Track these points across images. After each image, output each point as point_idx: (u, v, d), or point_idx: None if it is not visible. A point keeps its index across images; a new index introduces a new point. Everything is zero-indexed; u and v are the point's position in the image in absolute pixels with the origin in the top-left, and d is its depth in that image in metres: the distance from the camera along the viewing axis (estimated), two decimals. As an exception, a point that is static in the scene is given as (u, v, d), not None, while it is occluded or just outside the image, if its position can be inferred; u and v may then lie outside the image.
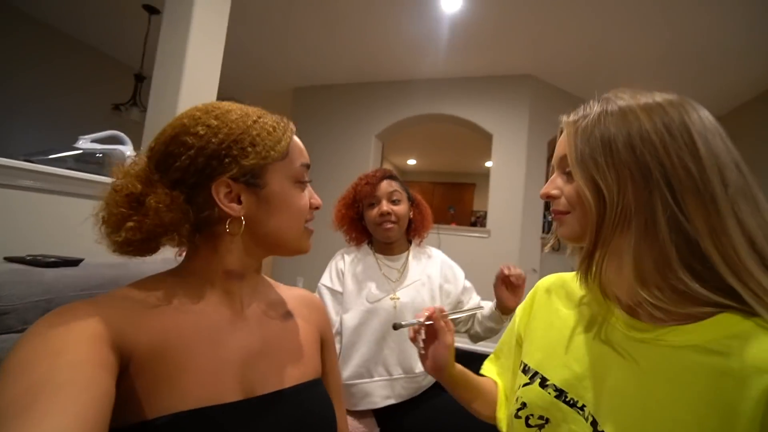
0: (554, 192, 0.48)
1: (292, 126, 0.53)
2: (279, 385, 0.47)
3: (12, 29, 2.84)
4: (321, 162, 3.55)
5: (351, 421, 0.98)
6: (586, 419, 0.44)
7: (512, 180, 3.27)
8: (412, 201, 1.16)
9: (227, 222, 0.47)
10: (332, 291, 1.07)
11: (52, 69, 3.10)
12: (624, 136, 0.41)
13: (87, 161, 1.01)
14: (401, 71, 3.48)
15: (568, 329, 0.53)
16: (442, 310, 0.60)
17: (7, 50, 2.80)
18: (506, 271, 0.99)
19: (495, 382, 0.68)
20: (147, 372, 0.39)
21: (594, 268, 0.43)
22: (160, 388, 0.39)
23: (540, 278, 0.67)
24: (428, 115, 3.60)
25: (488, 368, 0.71)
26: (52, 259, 0.72)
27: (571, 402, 0.47)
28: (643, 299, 0.40)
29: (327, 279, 1.10)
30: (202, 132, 0.45)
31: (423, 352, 0.62)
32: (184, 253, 0.52)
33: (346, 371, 1.00)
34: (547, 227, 3.49)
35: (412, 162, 7.45)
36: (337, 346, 1.03)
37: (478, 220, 7.05)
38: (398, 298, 1.06)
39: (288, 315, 0.56)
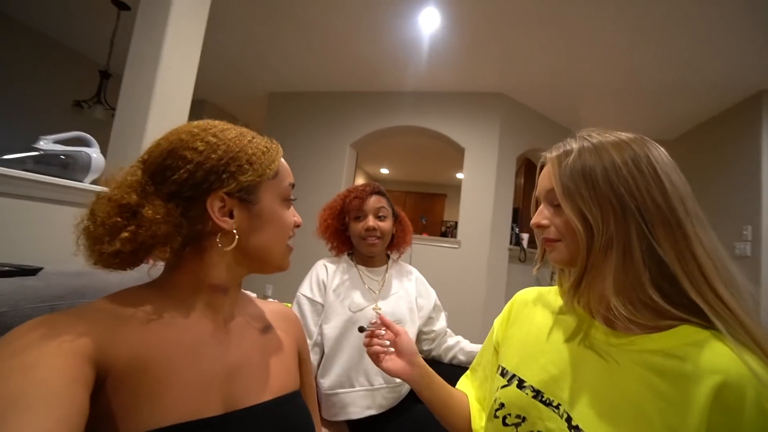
0: (544, 222, 0.54)
1: (280, 148, 0.56)
2: (260, 398, 0.47)
3: (-38, 15, 2.65)
4: (295, 169, 3.45)
5: (325, 433, 0.97)
6: (561, 416, 0.49)
7: (482, 193, 3.37)
8: (396, 217, 1.18)
9: (218, 236, 0.47)
10: (312, 302, 1.06)
11: (5, 59, 2.90)
12: (602, 171, 0.47)
13: (49, 163, 0.96)
14: (378, 83, 3.53)
15: (546, 336, 0.58)
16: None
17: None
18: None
19: (465, 396, 0.71)
20: (126, 387, 0.38)
21: (582, 289, 0.49)
22: (140, 404, 0.38)
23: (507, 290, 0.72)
24: (403, 127, 3.66)
25: (464, 383, 0.74)
26: (7, 268, 0.67)
27: (547, 401, 0.51)
28: (619, 314, 0.45)
29: (307, 289, 1.09)
30: (201, 147, 0.46)
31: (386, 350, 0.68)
32: (159, 266, 0.51)
33: (327, 381, 0.99)
34: (514, 239, 3.61)
35: (385, 171, 7.51)
36: (315, 358, 1.02)
37: (448, 230, 7.18)
38: (380, 309, 1.07)
39: (267, 328, 0.57)
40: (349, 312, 1.04)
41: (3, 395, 0.28)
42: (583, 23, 2.38)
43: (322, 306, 1.06)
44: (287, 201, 0.54)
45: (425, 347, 1.18)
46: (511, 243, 3.53)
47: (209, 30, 1.42)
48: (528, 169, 4.28)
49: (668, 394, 0.42)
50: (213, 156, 0.46)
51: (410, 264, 1.27)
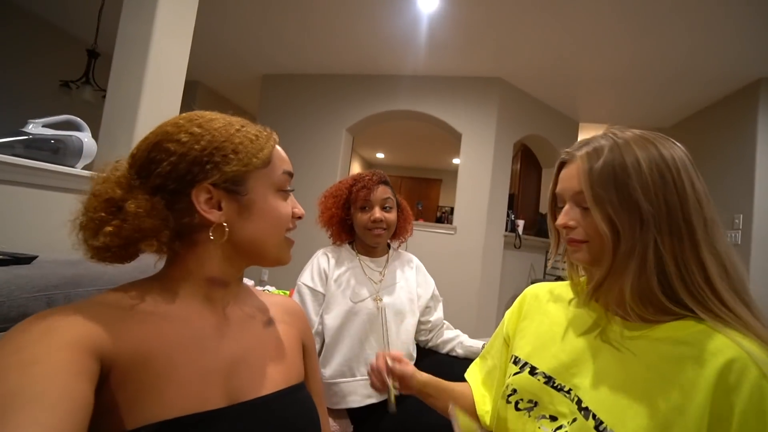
0: (571, 223, 0.55)
1: (275, 136, 0.54)
2: (263, 390, 0.47)
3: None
4: (290, 154, 3.37)
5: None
6: (572, 400, 0.52)
7: (479, 179, 3.37)
8: (398, 206, 1.17)
9: (210, 229, 0.47)
10: (314, 291, 1.06)
11: (-11, 37, 2.80)
12: (631, 180, 0.48)
13: (39, 148, 0.93)
14: (375, 66, 3.46)
15: (559, 327, 0.61)
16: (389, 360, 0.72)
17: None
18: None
19: (468, 387, 0.74)
20: (129, 381, 0.38)
21: (603, 290, 0.52)
22: (143, 397, 0.38)
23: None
24: (400, 111, 3.61)
25: (473, 369, 0.78)
26: (1, 257, 0.66)
27: (559, 387, 0.54)
28: (632, 311, 0.50)
29: (308, 278, 1.08)
30: (184, 139, 0.45)
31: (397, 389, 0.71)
32: (162, 260, 0.51)
33: (329, 370, 1.01)
34: (509, 226, 3.63)
35: (380, 156, 7.46)
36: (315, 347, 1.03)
37: (443, 216, 7.20)
38: (381, 299, 1.07)
39: (270, 322, 0.56)
40: (351, 302, 1.04)
41: (8, 390, 0.28)
42: (583, 9, 2.34)
43: (324, 296, 1.06)
44: (283, 191, 0.52)
45: (422, 337, 1.19)
46: (506, 229, 3.55)
47: (201, 10, 1.37)
48: (524, 154, 4.27)
49: (676, 377, 0.45)
50: (196, 147, 0.45)
51: (406, 250, 1.27)
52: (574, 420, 0.51)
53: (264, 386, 0.48)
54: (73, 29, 3.24)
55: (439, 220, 6.72)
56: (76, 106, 2.70)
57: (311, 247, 1.16)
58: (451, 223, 3.46)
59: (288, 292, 1.39)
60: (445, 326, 1.21)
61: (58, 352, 0.32)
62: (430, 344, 1.19)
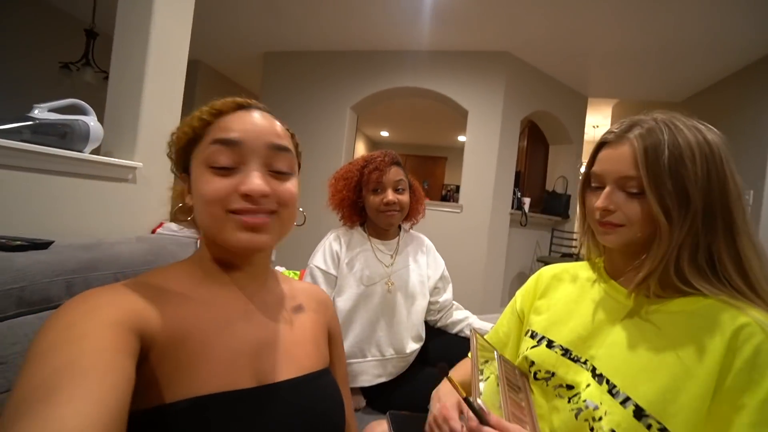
0: (612, 207, 0.55)
1: (220, 103, 0.48)
2: (289, 374, 0.49)
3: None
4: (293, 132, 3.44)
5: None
6: (588, 369, 0.56)
7: (485, 156, 3.33)
8: (410, 187, 1.15)
9: None
10: (326, 274, 1.06)
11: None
12: (688, 170, 0.49)
13: (46, 133, 0.93)
14: (380, 42, 3.37)
15: (576, 304, 0.64)
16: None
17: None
18: None
19: None
20: (167, 358, 0.40)
21: (651, 278, 0.52)
22: (180, 374, 0.40)
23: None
24: (405, 89, 3.54)
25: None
26: (19, 242, 0.67)
27: (575, 358, 0.58)
28: (652, 292, 0.53)
29: (321, 261, 1.08)
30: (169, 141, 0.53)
31: None
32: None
33: None
34: (516, 204, 3.61)
35: (385, 134, 7.37)
36: None
37: (449, 194, 7.17)
38: (393, 283, 1.08)
39: (298, 308, 0.58)
40: (362, 285, 1.05)
41: (58, 363, 0.30)
42: (597, -25, 2.23)
43: (336, 278, 1.07)
44: (211, 168, 0.45)
45: (430, 317, 1.20)
46: (512, 207, 3.53)
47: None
48: (531, 131, 4.19)
49: (689, 344, 0.48)
50: (170, 144, 0.53)
51: (413, 229, 1.27)
52: (588, 386, 0.54)
53: (290, 370, 0.49)
54: (69, 8, 3.18)
55: (444, 198, 6.71)
56: (78, 88, 2.68)
57: (319, 229, 1.16)
58: (456, 201, 3.45)
59: (298, 273, 1.41)
60: (454, 307, 1.22)
61: (104, 329, 0.34)
62: (439, 324, 1.21)
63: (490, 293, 3.37)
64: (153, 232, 1.18)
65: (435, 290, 1.18)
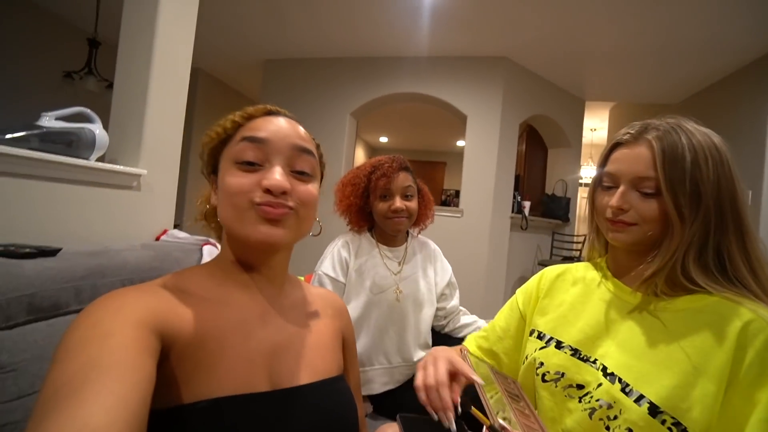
0: (626, 206, 0.56)
1: (252, 109, 0.52)
2: (303, 379, 0.49)
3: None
4: None
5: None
6: (598, 368, 0.56)
7: (485, 161, 3.35)
8: (419, 192, 1.13)
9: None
10: (335, 281, 1.05)
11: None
12: (703, 173, 0.51)
13: (53, 141, 0.94)
14: (379, 48, 3.40)
15: (582, 304, 0.64)
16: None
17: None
18: None
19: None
20: (187, 359, 0.41)
21: (658, 276, 0.53)
22: (198, 375, 0.41)
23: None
24: (404, 94, 3.57)
25: (471, 340, 0.81)
26: (28, 250, 0.68)
27: (585, 358, 0.58)
28: (660, 291, 0.54)
29: (329, 268, 1.06)
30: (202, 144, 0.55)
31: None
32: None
33: None
34: (516, 207, 3.62)
35: (384, 140, 7.40)
36: None
37: (448, 198, 7.19)
38: (401, 291, 1.07)
39: (314, 314, 0.58)
40: (371, 294, 1.04)
41: (85, 359, 0.31)
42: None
43: (344, 285, 1.06)
44: (238, 163, 0.47)
45: (436, 323, 1.18)
46: (512, 211, 3.55)
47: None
48: (530, 135, 4.22)
49: (698, 341, 0.49)
50: (202, 146, 0.54)
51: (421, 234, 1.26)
52: (600, 385, 0.54)
53: (306, 375, 0.50)
54: (72, 18, 3.21)
55: (444, 203, 6.72)
56: (80, 96, 2.69)
57: (322, 234, 1.15)
58: (457, 206, 3.46)
59: (302, 278, 1.40)
60: (461, 312, 1.21)
61: (128, 328, 0.35)
62: (446, 329, 1.19)
63: (491, 298, 3.37)
64: (157, 239, 1.19)
65: (442, 296, 1.17)
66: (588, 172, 6.53)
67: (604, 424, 0.52)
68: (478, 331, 0.82)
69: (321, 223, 0.59)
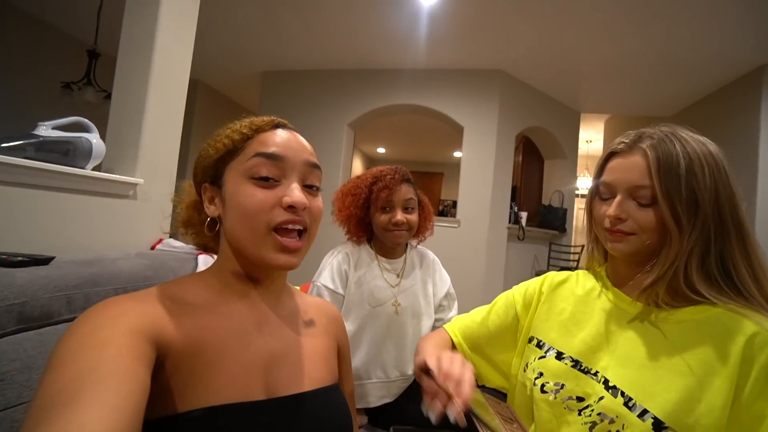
0: (623, 216, 0.55)
1: (259, 122, 0.52)
2: (299, 388, 0.49)
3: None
4: None
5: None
6: (599, 381, 0.55)
7: (482, 172, 3.37)
8: (420, 203, 1.12)
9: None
10: (334, 293, 1.02)
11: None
12: (699, 181, 0.51)
13: (50, 150, 0.94)
14: (376, 60, 3.45)
15: (583, 314, 0.63)
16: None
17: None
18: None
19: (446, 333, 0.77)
20: (183, 368, 0.40)
21: (659, 285, 0.53)
22: (194, 384, 0.41)
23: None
24: (402, 106, 3.61)
25: (455, 325, 0.78)
26: (20, 258, 0.67)
27: (586, 369, 0.57)
28: (662, 300, 0.53)
29: (328, 280, 1.03)
30: (202, 153, 0.54)
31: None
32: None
33: None
34: (513, 218, 3.63)
35: (381, 151, 7.45)
36: None
37: (446, 209, 7.20)
38: (399, 304, 1.05)
39: (309, 323, 0.58)
40: (369, 307, 1.02)
41: (80, 368, 0.31)
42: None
43: (343, 297, 1.04)
44: (254, 178, 0.47)
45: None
46: (509, 221, 3.56)
47: (201, 7, 1.37)
48: (526, 146, 4.26)
49: (701, 354, 0.48)
50: (203, 153, 0.53)
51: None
52: (601, 398, 0.53)
53: (301, 384, 0.49)
54: (72, 30, 3.24)
55: (441, 214, 6.73)
56: (79, 107, 2.71)
57: (318, 244, 1.14)
58: (453, 216, 3.47)
59: (298, 288, 1.39)
60: None
61: (124, 337, 0.35)
62: None
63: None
64: (152, 248, 1.18)
65: (440, 308, 1.15)
66: (584, 183, 6.56)
67: None
68: (464, 318, 0.78)
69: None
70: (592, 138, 5.55)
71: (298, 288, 1.42)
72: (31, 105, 2.90)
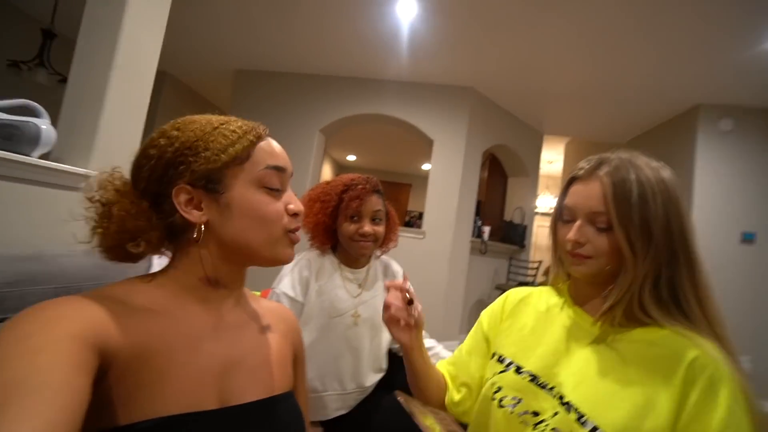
0: (582, 240, 0.57)
1: (259, 130, 0.52)
2: (254, 395, 0.47)
3: None
4: None
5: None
6: (554, 396, 0.56)
7: (449, 185, 3.45)
8: (387, 215, 1.11)
9: (195, 229, 0.47)
10: (293, 301, 1.00)
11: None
12: (653, 208, 0.53)
13: (-9, 134, 0.87)
14: (352, 68, 3.46)
15: (543, 330, 0.65)
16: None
17: None
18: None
19: (442, 373, 0.76)
20: (129, 376, 0.38)
21: (617, 308, 0.55)
22: (142, 393, 0.38)
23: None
24: (375, 115, 3.63)
25: (441, 364, 0.80)
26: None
27: (543, 384, 0.59)
28: (614, 319, 0.56)
29: (289, 287, 1.00)
30: (162, 142, 0.48)
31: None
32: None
33: None
34: (476, 232, 3.74)
35: (351, 158, 7.45)
36: None
37: (412, 220, 7.29)
38: (359, 315, 1.03)
39: (266, 328, 0.56)
40: (327, 317, 1.00)
41: (7, 377, 0.29)
42: (552, 27, 2.47)
43: (303, 305, 1.01)
44: (267, 188, 0.50)
45: (393, 346, 1.15)
46: (473, 235, 3.65)
47: (174, -2, 1.32)
48: (492, 163, 4.41)
49: (651, 373, 0.51)
50: (170, 149, 0.47)
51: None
52: (556, 414, 0.54)
53: (255, 392, 0.48)
54: (26, 6, 3.01)
55: (407, 225, 6.80)
56: (27, 89, 2.51)
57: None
58: (420, 227, 3.52)
59: (259, 293, 1.35)
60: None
61: (61, 343, 0.32)
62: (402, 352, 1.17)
63: (449, 320, 3.40)
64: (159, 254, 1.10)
65: None
66: (543, 201, 6.86)
67: None
68: (449, 357, 0.80)
69: None
70: (552, 159, 5.85)
71: (258, 294, 1.38)
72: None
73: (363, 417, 1.02)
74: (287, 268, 1.04)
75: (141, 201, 0.47)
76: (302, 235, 1.12)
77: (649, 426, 0.48)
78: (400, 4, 2.44)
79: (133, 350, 0.39)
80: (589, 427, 0.50)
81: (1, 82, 2.62)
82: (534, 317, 0.68)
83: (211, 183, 0.47)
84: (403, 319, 0.69)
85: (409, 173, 7.79)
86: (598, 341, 0.57)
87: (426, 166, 6.49)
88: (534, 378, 0.60)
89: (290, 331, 0.61)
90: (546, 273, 0.74)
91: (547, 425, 0.54)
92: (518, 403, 0.59)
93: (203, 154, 0.47)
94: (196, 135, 0.48)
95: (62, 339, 0.32)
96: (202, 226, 0.47)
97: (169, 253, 0.51)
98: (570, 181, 0.62)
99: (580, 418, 0.52)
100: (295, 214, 0.52)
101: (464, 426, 0.72)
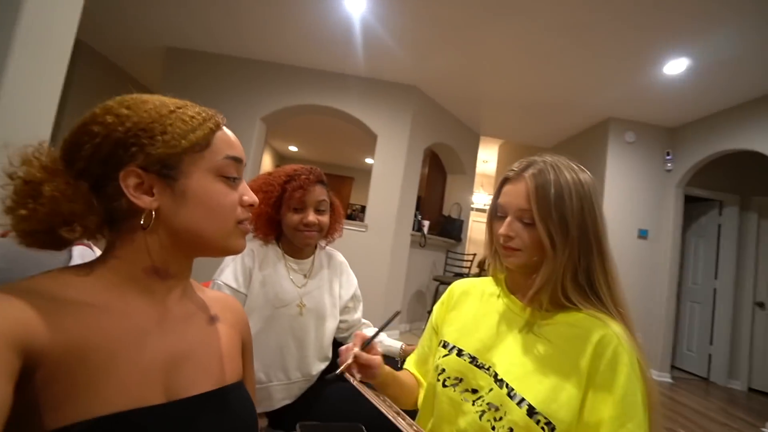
0: (512, 234, 0.64)
1: (218, 118, 0.51)
2: (203, 387, 0.46)
3: None
4: None
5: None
6: (490, 375, 0.63)
7: (391, 180, 3.53)
8: (331, 206, 1.12)
9: (142, 216, 0.44)
10: (236, 292, 0.98)
11: None
12: (569, 205, 0.60)
13: None
14: (296, 57, 3.38)
15: (482, 316, 0.72)
16: (356, 349, 0.66)
17: None
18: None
19: (411, 373, 0.82)
20: (61, 377, 0.35)
21: (541, 293, 0.62)
22: (76, 394, 0.35)
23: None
24: (319, 107, 3.58)
25: (409, 362, 0.85)
26: None
27: (481, 365, 0.65)
28: (543, 306, 0.63)
29: (231, 278, 0.98)
30: (109, 120, 0.44)
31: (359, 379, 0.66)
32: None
33: None
34: (416, 226, 3.87)
35: (293, 149, 7.25)
36: None
37: (354, 213, 7.31)
38: (304, 305, 1.03)
39: (213, 318, 0.55)
40: (272, 308, 1.00)
41: None
42: (494, 39, 2.64)
43: (246, 297, 0.99)
44: (224, 177, 0.49)
45: (338, 335, 1.17)
46: (413, 229, 3.78)
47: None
48: (432, 160, 4.59)
49: (569, 351, 0.59)
50: (120, 128, 0.43)
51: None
52: (491, 390, 0.61)
53: (204, 383, 0.47)
54: None
55: (349, 218, 6.81)
56: None
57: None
58: (362, 220, 3.56)
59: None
60: (364, 325, 1.21)
61: None
62: (348, 341, 1.19)
63: (390, 310, 3.50)
64: (4, 235, 0.98)
65: (345, 309, 1.16)
66: (478, 198, 7.28)
67: (491, 424, 0.59)
68: (413, 354, 0.85)
69: None
70: (487, 159, 6.24)
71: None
72: None
73: (308, 406, 1.04)
74: (229, 258, 1.02)
75: (78, 182, 0.42)
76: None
77: (565, 396, 0.56)
78: (348, -3, 2.43)
79: (65, 348, 0.36)
80: (517, 399, 0.58)
81: None
82: (476, 306, 0.75)
83: (166, 168, 0.45)
84: (354, 365, 0.66)
85: (351, 166, 7.79)
86: (528, 324, 0.65)
87: (369, 160, 6.54)
88: (473, 359, 0.66)
89: (238, 320, 0.61)
90: (480, 265, 0.81)
91: (483, 400, 0.61)
92: (459, 382, 0.66)
93: (160, 138, 0.44)
94: (151, 116, 0.45)
95: None
96: (152, 213, 0.45)
97: (91, 243, 0.48)
98: (503, 182, 0.69)
99: (510, 392, 0.59)
100: (250, 205, 0.52)
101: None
